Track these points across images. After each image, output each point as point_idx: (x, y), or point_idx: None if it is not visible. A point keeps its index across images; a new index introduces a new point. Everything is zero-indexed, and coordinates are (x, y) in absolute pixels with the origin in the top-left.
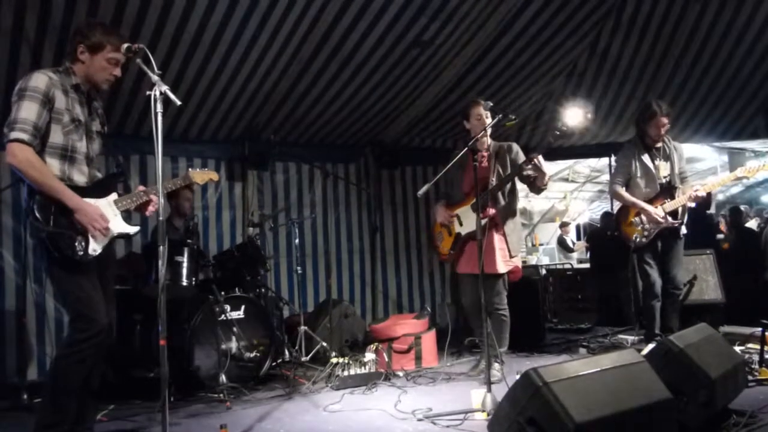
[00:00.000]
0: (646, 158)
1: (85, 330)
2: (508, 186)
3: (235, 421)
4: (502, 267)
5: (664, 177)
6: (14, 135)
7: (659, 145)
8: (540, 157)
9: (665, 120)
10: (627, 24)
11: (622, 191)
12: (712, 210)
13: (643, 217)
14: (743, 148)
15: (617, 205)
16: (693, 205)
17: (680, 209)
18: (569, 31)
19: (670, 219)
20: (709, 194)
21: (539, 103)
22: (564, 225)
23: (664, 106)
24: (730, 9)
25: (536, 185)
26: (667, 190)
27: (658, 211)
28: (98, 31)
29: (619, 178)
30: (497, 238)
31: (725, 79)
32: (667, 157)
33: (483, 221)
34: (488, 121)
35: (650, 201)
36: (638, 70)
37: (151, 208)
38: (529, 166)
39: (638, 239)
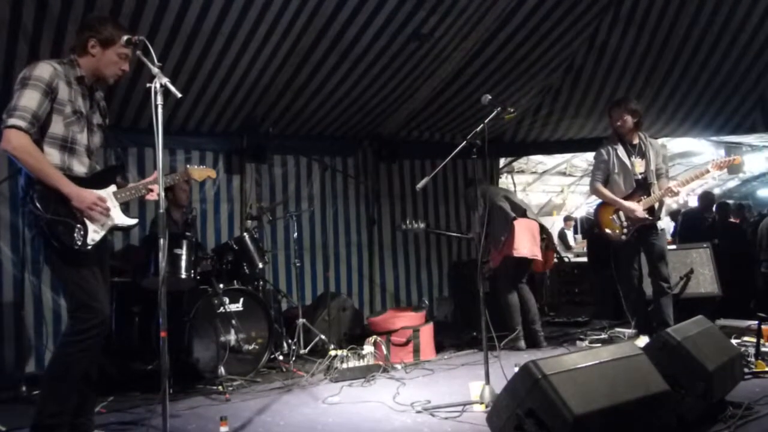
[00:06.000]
0: (622, 153)
1: (88, 320)
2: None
3: (235, 413)
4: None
5: (640, 173)
6: (12, 122)
7: (635, 141)
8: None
9: (621, 114)
10: (625, 18)
11: (602, 188)
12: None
13: (621, 215)
14: (740, 142)
15: None
16: (695, 205)
17: (656, 205)
18: (568, 25)
19: (646, 215)
20: (709, 193)
21: (537, 96)
22: (568, 219)
23: (631, 103)
24: (728, 3)
25: None
26: (643, 187)
27: (636, 208)
28: (109, 25)
29: (598, 174)
30: None
31: (723, 74)
32: (643, 154)
33: None
34: None
35: (627, 197)
36: (636, 64)
37: (151, 196)
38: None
39: (617, 236)
